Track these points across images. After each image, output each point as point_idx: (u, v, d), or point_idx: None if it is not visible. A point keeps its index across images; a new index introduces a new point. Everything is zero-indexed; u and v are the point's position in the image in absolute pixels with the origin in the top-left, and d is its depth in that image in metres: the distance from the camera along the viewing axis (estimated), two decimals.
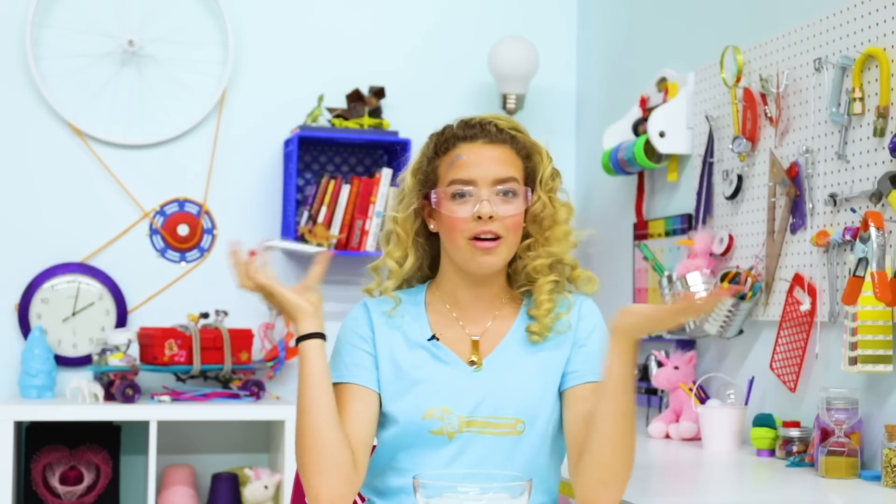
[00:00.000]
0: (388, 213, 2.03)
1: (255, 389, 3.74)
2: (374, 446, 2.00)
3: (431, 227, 1.97)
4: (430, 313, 1.98)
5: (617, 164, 3.57)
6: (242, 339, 3.77)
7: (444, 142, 1.97)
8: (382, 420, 1.95)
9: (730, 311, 2.96)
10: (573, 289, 2.01)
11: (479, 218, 1.88)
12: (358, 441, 1.87)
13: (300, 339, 1.86)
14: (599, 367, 1.91)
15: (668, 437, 3.15)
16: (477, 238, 1.89)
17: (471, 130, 1.96)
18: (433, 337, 1.94)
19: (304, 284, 1.89)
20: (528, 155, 1.98)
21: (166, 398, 3.64)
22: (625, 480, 1.81)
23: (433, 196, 1.94)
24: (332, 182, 3.90)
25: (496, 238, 1.89)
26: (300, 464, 1.84)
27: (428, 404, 1.90)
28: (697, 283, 3.11)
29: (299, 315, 1.86)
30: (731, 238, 3.11)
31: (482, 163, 1.92)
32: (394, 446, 1.93)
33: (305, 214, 3.89)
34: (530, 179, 1.97)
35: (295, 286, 1.89)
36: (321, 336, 1.87)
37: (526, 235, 1.96)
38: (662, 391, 3.29)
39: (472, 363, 1.93)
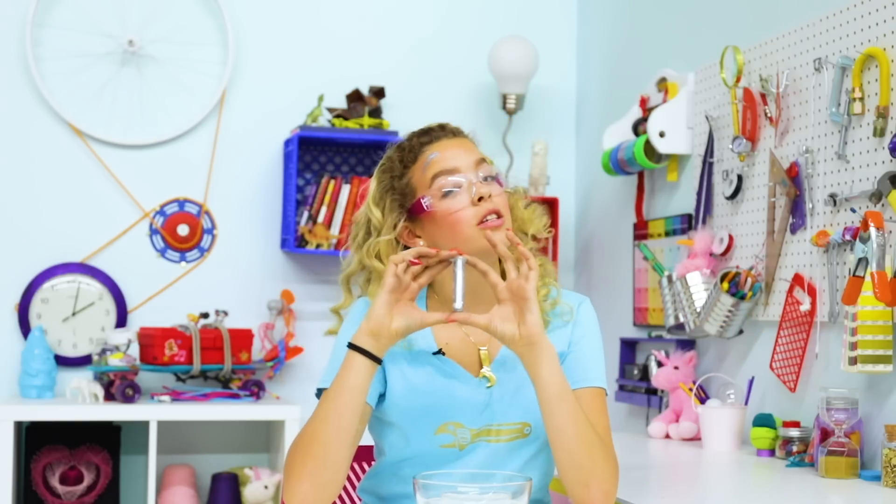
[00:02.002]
0: (365, 261, 1.94)
1: (255, 389, 3.74)
2: (373, 448, 1.99)
3: (420, 244, 1.91)
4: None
5: (617, 164, 3.57)
6: (242, 339, 3.77)
7: (410, 151, 1.95)
8: (390, 429, 1.92)
9: (730, 311, 2.96)
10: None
11: (480, 199, 1.86)
12: None
13: (349, 344, 1.79)
14: (585, 372, 1.89)
15: (668, 437, 3.15)
16: (484, 220, 1.86)
17: (432, 133, 1.96)
18: (439, 351, 1.91)
19: (409, 310, 1.78)
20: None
21: (166, 398, 3.64)
22: (606, 478, 1.79)
23: (425, 201, 1.89)
24: (332, 182, 3.90)
25: (499, 216, 1.87)
26: (298, 465, 1.78)
27: (440, 420, 1.88)
28: (697, 283, 3.11)
29: (364, 322, 1.78)
30: (731, 238, 3.11)
31: (457, 153, 1.92)
32: (401, 456, 1.92)
33: (305, 214, 3.89)
34: None
35: (407, 304, 1.79)
36: (370, 356, 1.77)
37: None
38: (662, 391, 3.29)
39: (482, 377, 1.89)
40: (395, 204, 1.93)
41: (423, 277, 1.81)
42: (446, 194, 1.88)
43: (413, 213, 1.92)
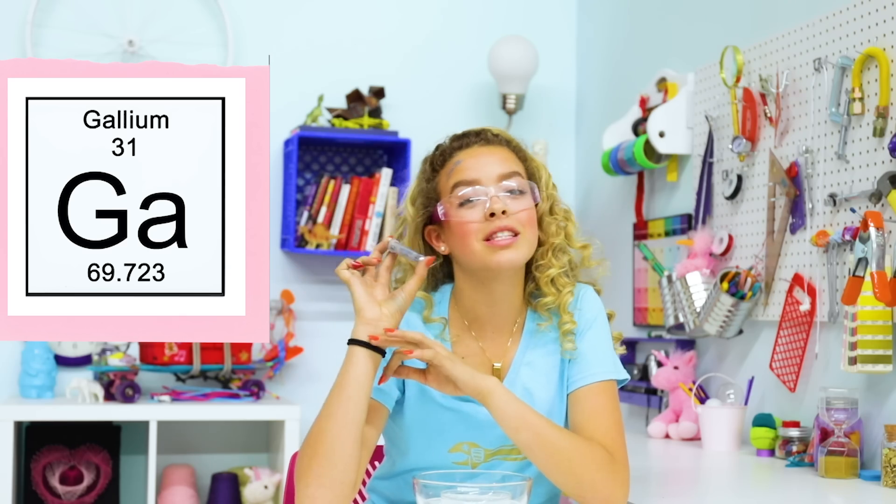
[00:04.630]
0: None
1: (254, 389, 3.74)
2: (383, 453, 1.98)
3: (442, 249, 1.92)
4: (452, 332, 1.94)
5: (617, 164, 3.57)
6: None
7: (440, 155, 1.94)
8: (403, 439, 1.91)
9: (729, 310, 2.96)
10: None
11: (492, 215, 1.84)
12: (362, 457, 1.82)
13: (349, 341, 1.79)
14: (588, 369, 1.88)
15: (667, 437, 3.15)
16: (493, 237, 1.84)
17: (465, 139, 1.94)
18: None
19: (392, 293, 1.81)
20: (525, 159, 1.95)
21: (166, 398, 3.64)
22: (603, 486, 1.78)
23: (440, 208, 1.89)
24: (332, 182, 3.90)
25: (514, 234, 1.85)
26: (304, 467, 1.75)
27: (455, 439, 1.88)
28: (697, 283, 3.11)
29: (356, 318, 1.78)
30: (730, 238, 3.11)
31: (483, 163, 1.89)
32: (413, 466, 1.91)
33: (305, 214, 3.89)
34: (533, 180, 1.94)
35: (383, 290, 1.80)
36: (371, 348, 1.77)
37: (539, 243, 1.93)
38: (662, 391, 3.29)
39: None
40: (423, 206, 1.93)
41: (384, 267, 1.83)
42: (462, 204, 1.87)
43: (434, 218, 1.92)
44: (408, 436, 1.90)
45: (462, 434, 1.88)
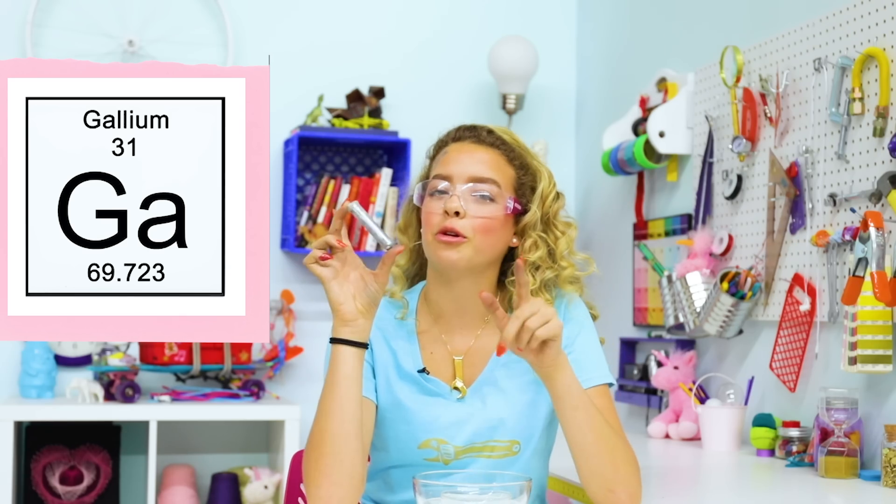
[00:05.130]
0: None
1: (254, 389, 3.74)
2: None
3: (422, 230, 1.94)
4: (419, 326, 1.96)
5: (617, 164, 3.57)
6: None
7: (440, 143, 1.98)
8: (377, 439, 1.93)
9: (729, 310, 2.96)
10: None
11: (447, 213, 1.86)
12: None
13: (330, 340, 1.80)
14: (587, 373, 1.88)
15: (667, 437, 3.15)
16: (441, 234, 1.86)
17: (461, 132, 1.95)
18: (423, 370, 1.92)
19: (363, 283, 1.78)
20: (522, 166, 1.94)
21: (166, 398, 3.64)
22: (630, 481, 1.79)
23: (417, 191, 1.93)
24: (332, 182, 3.90)
25: (457, 235, 1.85)
26: (312, 469, 1.76)
27: (423, 435, 1.89)
28: (697, 283, 3.11)
29: (334, 317, 1.78)
30: (730, 238, 3.11)
31: (463, 161, 1.90)
32: (387, 464, 1.93)
33: (305, 214, 3.89)
34: (522, 192, 1.93)
35: (356, 280, 1.77)
36: (355, 344, 1.77)
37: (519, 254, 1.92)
38: (662, 391, 3.29)
39: (455, 389, 1.91)
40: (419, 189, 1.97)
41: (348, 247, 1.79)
42: (432, 194, 1.90)
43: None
44: (378, 433, 1.92)
45: (428, 430, 1.88)
